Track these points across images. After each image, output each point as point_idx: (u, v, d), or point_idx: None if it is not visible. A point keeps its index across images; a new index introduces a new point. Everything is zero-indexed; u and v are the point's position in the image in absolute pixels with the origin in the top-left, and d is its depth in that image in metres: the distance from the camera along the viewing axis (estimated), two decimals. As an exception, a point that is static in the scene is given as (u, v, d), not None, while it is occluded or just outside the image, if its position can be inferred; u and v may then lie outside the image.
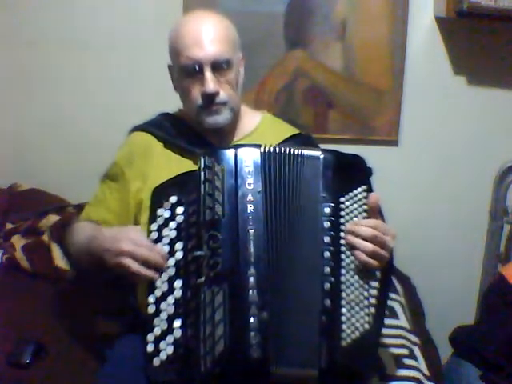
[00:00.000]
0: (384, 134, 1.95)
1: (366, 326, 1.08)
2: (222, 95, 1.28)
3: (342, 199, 1.13)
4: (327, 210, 1.12)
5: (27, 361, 1.40)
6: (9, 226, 1.88)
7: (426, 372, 1.41)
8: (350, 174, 1.16)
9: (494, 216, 1.94)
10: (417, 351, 1.49)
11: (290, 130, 1.45)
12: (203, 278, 1.05)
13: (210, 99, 1.27)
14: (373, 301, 1.10)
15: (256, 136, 1.38)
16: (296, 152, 1.16)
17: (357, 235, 1.10)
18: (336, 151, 1.18)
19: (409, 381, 1.34)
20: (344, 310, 1.08)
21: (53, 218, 1.85)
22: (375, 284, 1.11)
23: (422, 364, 1.44)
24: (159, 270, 1.10)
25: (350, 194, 1.14)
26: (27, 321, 1.56)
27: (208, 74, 1.25)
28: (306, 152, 1.16)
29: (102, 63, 1.95)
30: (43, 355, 1.44)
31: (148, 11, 1.90)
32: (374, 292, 1.11)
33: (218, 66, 1.26)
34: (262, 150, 1.14)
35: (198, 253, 1.07)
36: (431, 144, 1.97)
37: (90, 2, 1.91)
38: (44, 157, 2.04)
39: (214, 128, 1.31)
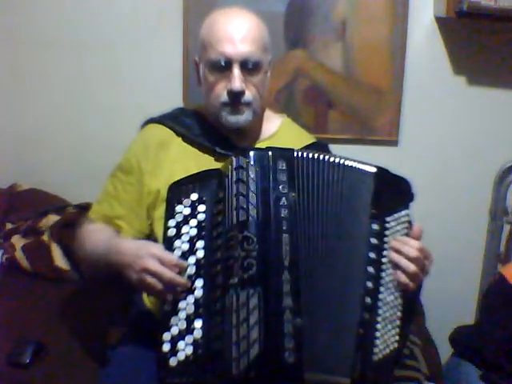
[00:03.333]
0: (384, 134, 1.95)
1: (396, 344, 1.10)
2: (247, 95, 1.27)
3: (387, 218, 1.13)
4: (375, 227, 1.12)
5: (27, 361, 1.40)
6: (9, 225, 1.88)
7: (426, 372, 1.41)
8: (397, 195, 1.16)
9: (493, 216, 1.93)
10: (417, 351, 1.49)
11: (307, 137, 1.45)
12: (236, 279, 1.02)
13: (235, 97, 1.26)
14: (402, 321, 1.11)
15: (276, 139, 1.37)
16: (346, 163, 1.14)
17: (401, 253, 1.11)
18: (387, 170, 1.17)
19: (409, 381, 1.34)
20: (379, 326, 1.08)
21: (53, 218, 1.85)
22: (406, 305, 1.12)
23: (422, 364, 1.44)
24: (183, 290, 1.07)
25: (395, 215, 1.14)
26: (27, 321, 1.56)
27: (236, 71, 1.24)
28: (358, 165, 1.15)
29: (103, 63, 1.94)
30: (43, 355, 1.44)
31: (148, 11, 1.90)
32: (404, 312, 1.12)
33: (247, 66, 1.25)
34: (296, 155, 1.12)
35: (232, 253, 1.04)
36: (431, 144, 1.97)
37: (91, 2, 1.91)
38: (44, 157, 2.03)
39: (233, 127, 1.30)
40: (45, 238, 1.81)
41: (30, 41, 1.94)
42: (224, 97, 1.27)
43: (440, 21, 1.86)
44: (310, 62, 1.89)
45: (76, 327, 1.54)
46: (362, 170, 1.15)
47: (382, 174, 1.16)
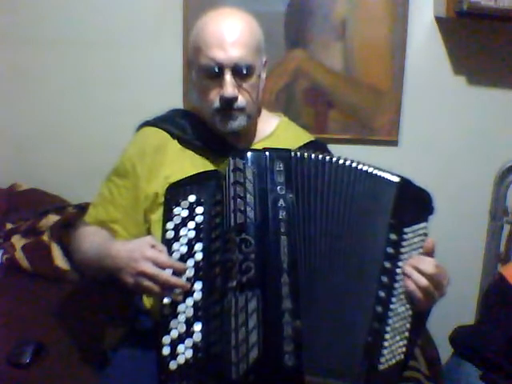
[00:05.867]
0: (384, 134, 1.95)
1: (402, 356, 1.09)
2: (241, 101, 1.24)
3: (406, 229, 1.12)
4: (393, 237, 1.11)
5: (27, 361, 1.40)
6: (9, 225, 1.88)
7: (426, 372, 1.41)
8: (417, 207, 1.15)
9: (493, 216, 1.93)
10: (417, 351, 1.49)
11: (305, 136, 1.44)
12: (234, 283, 1.01)
13: (227, 104, 1.23)
14: (410, 333, 1.10)
15: (273, 139, 1.36)
16: (359, 167, 1.12)
17: (416, 268, 1.09)
18: (409, 180, 1.16)
19: (409, 381, 1.34)
20: (387, 336, 1.08)
21: (53, 218, 1.85)
22: (416, 318, 1.11)
23: (421, 364, 1.44)
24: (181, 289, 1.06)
25: (414, 226, 1.13)
26: (27, 321, 1.56)
27: (228, 77, 1.21)
28: (378, 172, 1.13)
29: (103, 63, 1.94)
30: (43, 355, 1.44)
31: (148, 11, 1.90)
32: (413, 324, 1.11)
33: (239, 71, 1.22)
34: (294, 155, 1.10)
35: (230, 256, 1.03)
36: (431, 144, 1.97)
37: (91, 2, 1.91)
38: (44, 157, 2.03)
39: (227, 132, 1.29)
40: (45, 237, 1.81)
41: (30, 41, 1.94)
42: (217, 103, 1.24)
43: (440, 21, 1.86)
44: (309, 62, 1.89)
45: (76, 327, 1.54)
46: (383, 177, 1.13)
47: (405, 184, 1.14)
